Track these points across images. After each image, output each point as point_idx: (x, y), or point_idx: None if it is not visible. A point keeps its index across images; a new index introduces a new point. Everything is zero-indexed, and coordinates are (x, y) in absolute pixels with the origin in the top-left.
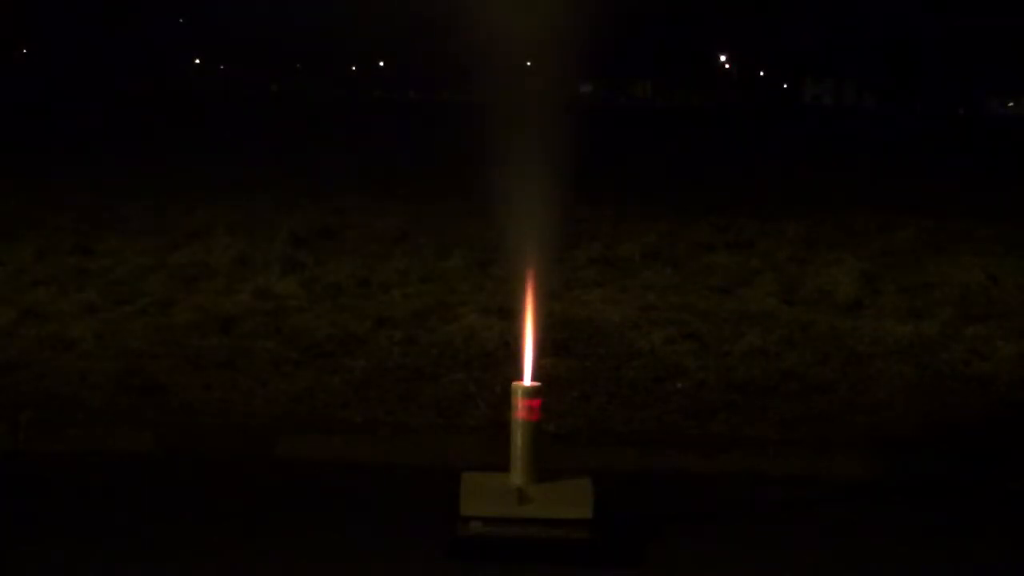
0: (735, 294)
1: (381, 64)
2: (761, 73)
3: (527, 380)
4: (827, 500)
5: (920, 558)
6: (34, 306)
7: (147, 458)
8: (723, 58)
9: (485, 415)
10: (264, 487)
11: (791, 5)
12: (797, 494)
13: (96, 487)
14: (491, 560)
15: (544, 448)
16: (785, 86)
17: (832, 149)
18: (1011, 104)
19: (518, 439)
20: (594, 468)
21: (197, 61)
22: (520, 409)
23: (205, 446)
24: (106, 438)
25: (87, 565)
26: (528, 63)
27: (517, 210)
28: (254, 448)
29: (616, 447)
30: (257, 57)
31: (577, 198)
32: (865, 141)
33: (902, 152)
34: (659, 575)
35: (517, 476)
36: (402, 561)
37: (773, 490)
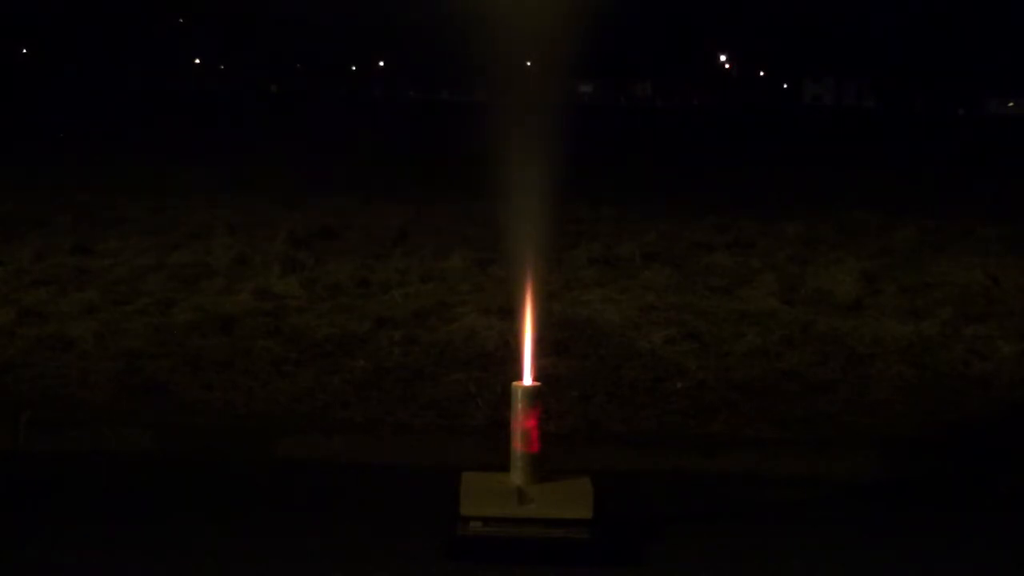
0: (735, 294)
1: (381, 64)
2: (761, 73)
3: (527, 380)
4: (827, 500)
5: (920, 558)
6: (34, 306)
7: (147, 458)
8: (723, 58)
9: (485, 415)
10: (264, 487)
11: (791, 4)
12: (797, 494)
13: (96, 487)
14: (491, 560)
15: (544, 448)
16: (785, 86)
17: (832, 149)
18: (1011, 104)
19: (518, 442)
20: (594, 468)
21: (197, 61)
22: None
23: (205, 446)
24: (106, 438)
25: (87, 565)
26: (528, 63)
27: (517, 210)
28: (254, 448)
29: (616, 447)
30: (257, 57)
31: (577, 198)
32: (865, 141)
33: (903, 152)
34: (659, 575)
35: (517, 476)
36: (402, 561)
37: (773, 490)
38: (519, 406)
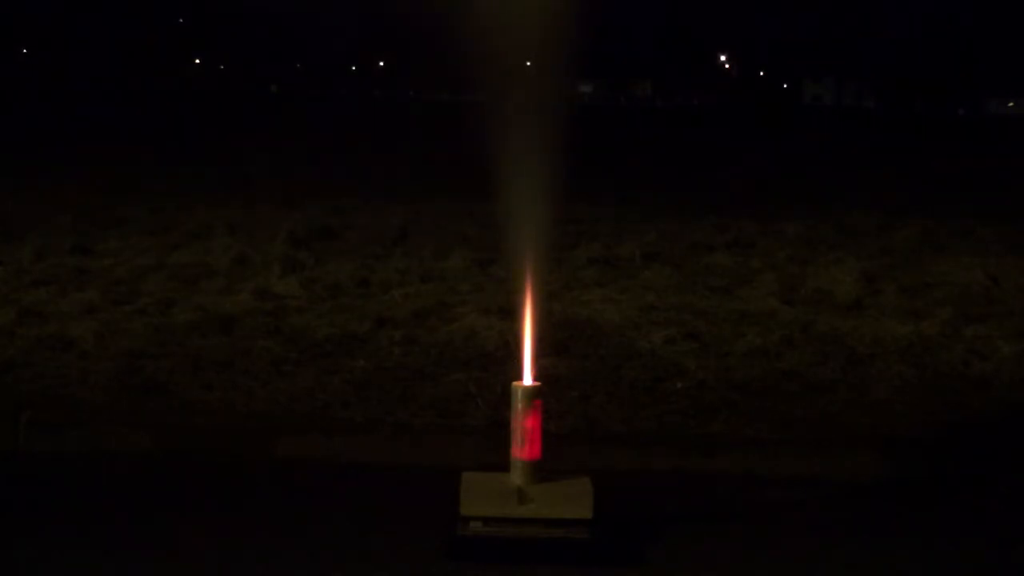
0: (735, 294)
1: (381, 64)
2: (761, 73)
3: (527, 380)
4: (827, 500)
5: (920, 558)
6: (34, 306)
7: (147, 458)
8: (723, 58)
9: (485, 415)
10: (264, 487)
11: (791, 4)
12: (797, 494)
13: (96, 487)
14: (491, 560)
15: (544, 448)
16: (785, 86)
17: (832, 149)
18: (1011, 104)
19: (518, 442)
20: (594, 468)
21: (197, 61)
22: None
23: (205, 446)
24: (106, 438)
25: (87, 565)
26: (528, 63)
27: (517, 210)
28: (254, 448)
29: (616, 447)
30: (257, 57)
31: (577, 198)
32: (865, 141)
33: (903, 152)
34: (659, 575)
35: (517, 476)
36: (402, 561)
37: (773, 490)
38: (519, 406)
